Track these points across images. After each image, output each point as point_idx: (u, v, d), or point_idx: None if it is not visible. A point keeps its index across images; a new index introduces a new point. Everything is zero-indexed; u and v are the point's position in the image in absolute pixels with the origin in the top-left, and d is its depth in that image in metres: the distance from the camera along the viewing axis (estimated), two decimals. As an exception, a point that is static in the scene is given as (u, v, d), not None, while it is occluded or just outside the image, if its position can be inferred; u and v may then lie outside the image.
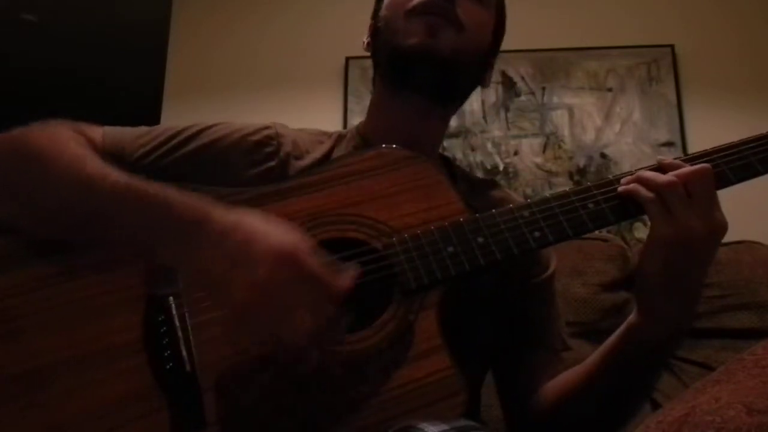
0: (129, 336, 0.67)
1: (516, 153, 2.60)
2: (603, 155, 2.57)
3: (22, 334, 0.67)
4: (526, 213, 0.74)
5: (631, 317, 0.76)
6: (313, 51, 2.77)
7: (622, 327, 0.77)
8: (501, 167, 2.58)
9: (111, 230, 0.67)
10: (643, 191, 0.72)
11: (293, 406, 0.65)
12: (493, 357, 0.92)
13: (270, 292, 0.59)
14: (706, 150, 0.77)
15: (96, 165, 0.70)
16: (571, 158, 2.58)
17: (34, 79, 4.25)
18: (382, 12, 0.91)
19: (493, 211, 0.75)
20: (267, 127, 0.88)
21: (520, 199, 0.97)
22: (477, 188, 0.96)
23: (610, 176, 0.77)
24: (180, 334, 0.67)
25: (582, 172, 2.56)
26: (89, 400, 0.64)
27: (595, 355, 0.81)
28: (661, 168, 0.74)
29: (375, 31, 0.93)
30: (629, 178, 0.75)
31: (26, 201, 0.71)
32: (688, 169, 0.71)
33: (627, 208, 0.74)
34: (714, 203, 0.71)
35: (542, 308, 0.94)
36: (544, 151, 2.60)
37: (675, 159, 0.75)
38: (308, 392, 0.66)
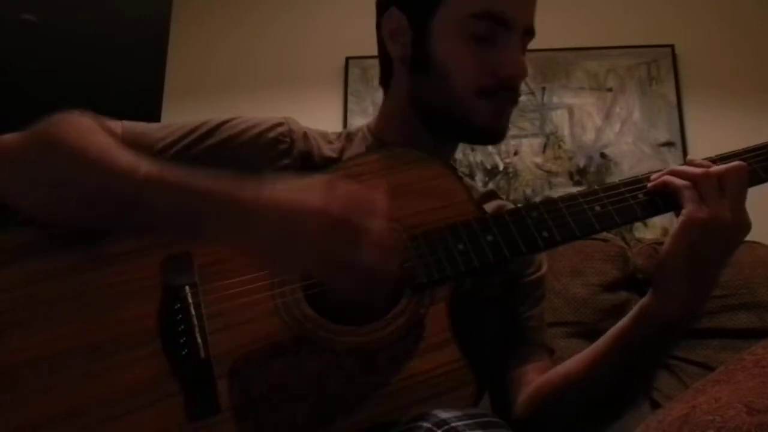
0: (144, 324, 0.68)
1: (516, 153, 2.60)
2: (603, 155, 2.57)
3: (38, 322, 0.68)
4: (534, 213, 0.76)
5: (645, 299, 0.77)
6: (313, 51, 2.76)
7: (635, 309, 0.78)
8: (501, 167, 2.58)
9: (149, 217, 0.68)
10: (676, 180, 0.75)
11: (305, 394, 0.67)
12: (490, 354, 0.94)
13: (347, 223, 0.61)
14: (735, 150, 0.80)
15: (128, 154, 0.70)
16: (571, 158, 2.58)
17: (34, 79, 4.25)
18: (441, 56, 0.85)
19: (503, 211, 0.77)
20: (280, 123, 0.88)
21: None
22: (478, 200, 0.97)
23: (617, 180, 0.80)
24: (195, 322, 0.68)
25: (582, 172, 2.56)
26: (104, 385, 0.65)
27: (601, 341, 0.82)
28: (691, 165, 0.77)
29: (423, 64, 0.88)
30: (660, 173, 0.78)
31: (57, 191, 0.72)
32: (723, 165, 0.74)
33: (655, 203, 0.77)
34: (744, 201, 0.74)
35: (536, 306, 0.96)
36: (544, 151, 2.60)
37: (704, 159, 0.78)
38: (320, 382, 0.67)
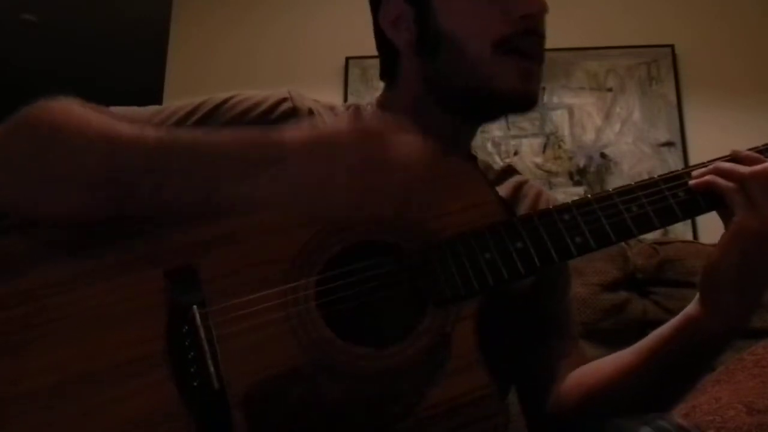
0: (151, 348, 0.63)
1: (516, 153, 2.60)
2: (603, 155, 2.57)
3: (37, 344, 0.62)
4: (566, 216, 0.69)
5: (690, 309, 0.72)
6: (313, 51, 2.76)
7: (678, 318, 0.74)
8: (501, 167, 2.58)
9: (162, 186, 0.63)
10: (722, 182, 0.68)
11: (325, 425, 0.62)
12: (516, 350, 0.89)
13: (376, 131, 0.60)
14: None
15: (128, 125, 0.65)
16: (571, 158, 2.58)
17: (34, 79, 4.25)
18: (447, 25, 0.79)
19: (531, 212, 0.71)
20: (284, 99, 0.82)
21: (538, 185, 0.95)
22: (497, 179, 0.92)
23: (656, 176, 0.72)
24: (206, 347, 0.62)
25: (582, 172, 2.56)
26: (110, 418, 0.60)
27: (637, 347, 0.77)
28: (737, 159, 0.71)
29: (428, 42, 0.81)
30: (703, 170, 0.71)
31: (52, 183, 0.65)
32: None
33: (697, 203, 0.70)
34: None
35: (563, 297, 0.91)
36: (544, 151, 2.60)
37: (749, 150, 0.72)
38: (341, 413, 0.63)
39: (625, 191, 0.71)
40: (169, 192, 0.63)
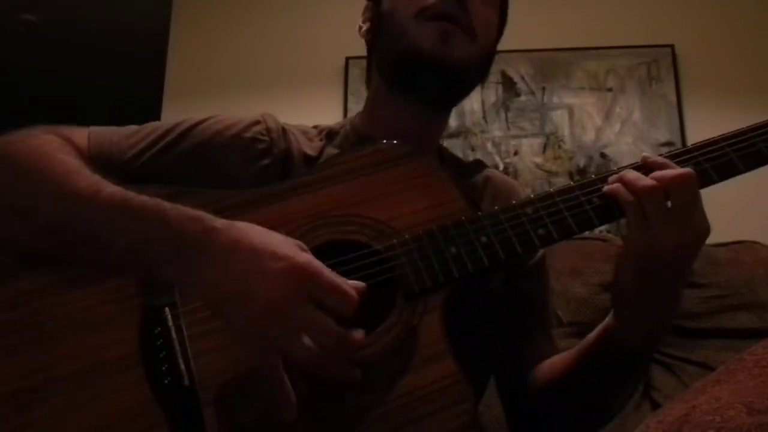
0: (125, 349, 0.65)
1: (516, 153, 2.60)
2: (603, 155, 2.57)
3: (17, 349, 0.65)
4: (529, 210, 0.72)
5: (607, 320, 0.75)
6: (313, 51, 2.77)
7: (599, 328, 0.77)
8: (501, 167, 2.58)
9: (107, 249, 0.66)
10: (624, 194, 0.69)
11: (296, 420, 0.63)
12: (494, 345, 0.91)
13: (286, 310, 0.59)
14: (688, 147, 0.75)
15: (87, 180, 0.68)
16: (571, 158, 2.58)
17: (34, 79, 4.25)
18: (387, 5, 0.87)
19: (496, 208, 0.73)
20: (257, 122, 0.85)
21: (504, 176, 0.99)
22: (465, 172, 0.95)
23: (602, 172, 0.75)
24: (177, 346, 0.65)
25: (582, 172, 2.56)
26: (87, 417, 0.62)
27: (575, 350, 0.81)
28: (644, 166, 0.72)
29: (377, 25, 0.90)
30: (614, 177, 0.72)
31: (13, 217, 0.69)
32: (670, 173, 0.68)
33: (612, 209, 0.71)
34: (695, 210, 0.68)
35: (539, 289, 0.94)
36: (544, 151, 2.60)
37: (660, 155, 0.73)
38: (311, 405, 0.64)
39: (586, 184, 0.73)
40: (111, 253, 0.66)
